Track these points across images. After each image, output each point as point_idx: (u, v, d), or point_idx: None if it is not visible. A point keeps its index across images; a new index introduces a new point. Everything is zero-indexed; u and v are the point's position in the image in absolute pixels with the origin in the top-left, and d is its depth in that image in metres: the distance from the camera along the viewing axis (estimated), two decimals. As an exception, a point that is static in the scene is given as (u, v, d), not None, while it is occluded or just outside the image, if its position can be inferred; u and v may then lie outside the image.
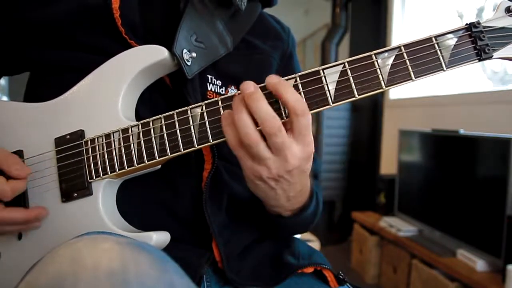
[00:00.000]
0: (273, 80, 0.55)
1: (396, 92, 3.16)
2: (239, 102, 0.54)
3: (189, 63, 0.63)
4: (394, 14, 3.23)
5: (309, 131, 0.55)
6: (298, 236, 0.85)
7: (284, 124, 0.55)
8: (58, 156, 0.63)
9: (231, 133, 0.55)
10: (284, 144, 0.54)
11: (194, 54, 0.64)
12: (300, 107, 0.53)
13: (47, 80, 0.69)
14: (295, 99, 0.54)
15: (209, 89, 0.68)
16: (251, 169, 0.57)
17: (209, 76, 0.69)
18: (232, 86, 0.71)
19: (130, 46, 0.63)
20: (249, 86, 0.54)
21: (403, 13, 3.22)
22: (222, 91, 0.70)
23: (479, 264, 1.85)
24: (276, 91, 0.54)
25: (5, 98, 3.57)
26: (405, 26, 3.20)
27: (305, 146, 0.56)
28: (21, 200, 0.63)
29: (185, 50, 0.62)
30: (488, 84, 2.52)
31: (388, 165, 3.15)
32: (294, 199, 0.63)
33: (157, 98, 0.67)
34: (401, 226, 2.45)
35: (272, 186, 0.58)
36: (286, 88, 0.54)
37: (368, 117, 3.40)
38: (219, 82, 0.70)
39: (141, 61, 0.62)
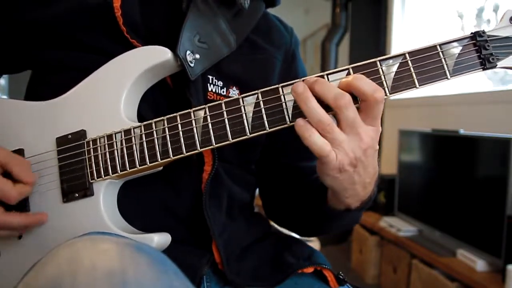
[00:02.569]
0: (357, 75, 0.55)
1: (396, 92, 3.15)
2: (305, 92, 0.54)
3: (192, 65, 0.63)
4: (394, 14, 3.23)
5: (380, 114, 0.56)
6: (297, 236, 0.85)
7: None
8: (59, 156, 0.63)
9: (318, 140, 0.54)
10: (356, 120, 0.54)
11: (197, 56, 0.63)
12: (381, 95, 0.54)
13: (48, 80, 0.69)
14: (374, 88, 0.54)
15: (209, 89, 0.68)
16: (334, 165, 0.55)
17: (210, 77, 0.68)
18: (234, 87, 0.71)
19: (131, 46, 0.63)
20: (311, 77, 0.56)
21: (403, 13, 3.22)
22: (223, 91, 0.69)
23: (479, 264, 1.85)
24: (354, 85, 0.54)
25: (5, 97, 3.56)
26: (405, 26, 3.20)
27: (377, 126, 0.56)
28: (21, 199, 0.63)
29: (188, 52, 0.62)
30: (488, 84, 2.52)
31: (388, 165, 3.15)
32: (369, 185, 0.62)
33: (159, 98, 0.67)
34: (401, 226, 2.45)
35: (351, 173, 0.57)
36: (363, 80, 0.54)
37: (368, 117, 3.39)
38: (220, 83, 0.69)
39: (144, 62, 0.62)
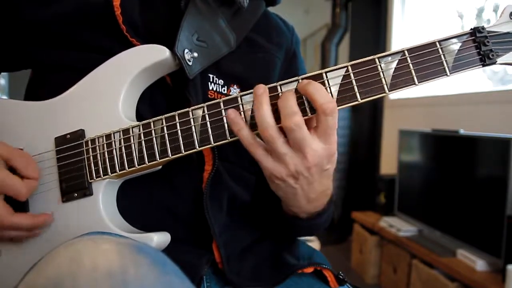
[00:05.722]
0: (304, 81, 0.56)
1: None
2: (261, 96, 0.55)
3: (190, 63, 0.63)
4: (394, 14, 3.23)
5: (334, 132, 0.55)
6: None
7: (308, 121, 0.55)
8: (58, 155, 0.63)
9: (246, 131, 0.56)
10: (304, 140, 0.54)
11: (195, 54, 0.63)
12: (330, 107, 0.54)
13: (48, 79, 0.69)
14: (325, 99, 0.54)
15: (210, 88, 0.68)
16: (270, 169, 0.57)
17: (211, 76, 0.68)
18: (234, 86, 0.70)
19: (131, 45, 0.63)
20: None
21: (403, 13, 3.22)
22: (224, 90, 0.69)
23: (479, 264, 1.85)
24: (306, 91, 0.55)
25: (5, 97, 3.56)
26: (405, 26, 3.20)
27: (328, 144, 0.55)
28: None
29: (186, 50, 0.62)
30: (488, 84, 2.52)
31: (388, 165, 3.15)
32: (315, 201, 0.62)
33: (157, 97, 0.66)
34: (401, 226, 2.45)
35: (292, 185, 0.58)
36: (317, 88, 0.54)
37: (368, 117, 3.40)
38: (221, 82, 0.69)
39: (142, 61, 0.62)
